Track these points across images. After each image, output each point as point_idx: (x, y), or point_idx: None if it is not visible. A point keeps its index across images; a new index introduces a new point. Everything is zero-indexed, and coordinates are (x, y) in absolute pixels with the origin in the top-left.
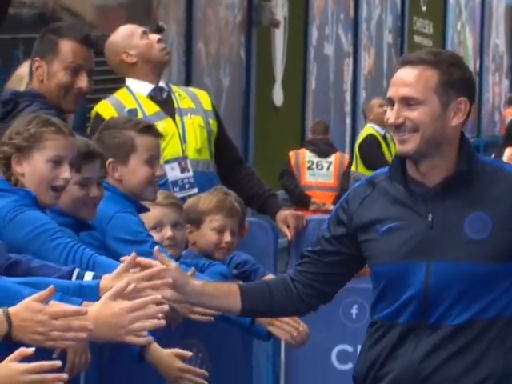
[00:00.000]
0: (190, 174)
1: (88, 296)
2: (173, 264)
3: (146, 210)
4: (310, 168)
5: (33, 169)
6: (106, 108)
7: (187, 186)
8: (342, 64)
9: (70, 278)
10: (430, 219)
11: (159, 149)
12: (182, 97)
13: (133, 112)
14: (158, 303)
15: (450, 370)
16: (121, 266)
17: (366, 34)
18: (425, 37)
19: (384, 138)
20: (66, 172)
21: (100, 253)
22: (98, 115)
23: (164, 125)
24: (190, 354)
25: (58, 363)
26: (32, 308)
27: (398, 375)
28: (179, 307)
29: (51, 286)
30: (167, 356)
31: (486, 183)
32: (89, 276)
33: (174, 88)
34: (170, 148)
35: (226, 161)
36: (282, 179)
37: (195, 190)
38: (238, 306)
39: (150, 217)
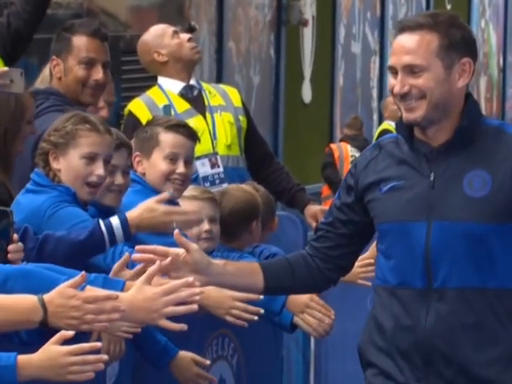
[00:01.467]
0: (221, 169)
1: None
2: (193, 245)
3: (175, 203)
4: (351, 163)
5: (68, 165)
6: (138, 106)
7: (217, 181)
8: (368, 61)
9: (99, 229)
10: (431, 178)
11: (186, 148)
12: (213, 94)
13: (167, 108)
14: (190, 286)
15: (463, 342)
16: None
17: (392, 32)
18: None
19: None
20: (99, 169)
21: (128, 244)
22: (130, 113)
23: (194, 122)
24: (207, 362)
25: (98, 344)
26: (65, 294)
27: (411, 345)
28: (217, 309)
29: (83, 272)
30: (185, 360)
31: (488, 143)
32: (115, 220)
33: (205, 85)
34: (201, 145)
35: (256, 156)
36: (324, 171)
37: (225, 186)
38: (260, 284)
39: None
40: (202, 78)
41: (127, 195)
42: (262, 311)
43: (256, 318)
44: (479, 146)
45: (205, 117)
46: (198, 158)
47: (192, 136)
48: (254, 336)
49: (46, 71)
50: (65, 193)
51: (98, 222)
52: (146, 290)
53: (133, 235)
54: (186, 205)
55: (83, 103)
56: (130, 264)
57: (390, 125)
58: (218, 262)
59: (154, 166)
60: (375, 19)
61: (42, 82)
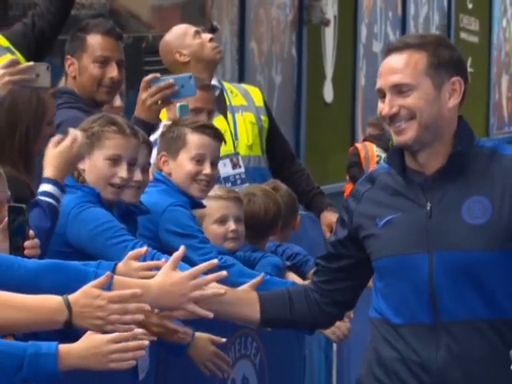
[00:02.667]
0: (242, 169)
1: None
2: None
3: (201, 206)
4: (377, 163)
5: (93, 165)
6: (162, 110)
7: (239, 181)
8: None
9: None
10: (428, 208)
11: (212, 149)
12: (234, 94)
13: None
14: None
15: (479, 376)
16: (168, 264)
17: (413, 32)
18: (471, 34)
19: None
20: (123, 171)
21: (153, 245)
22: None
23: (216, 122)
24: (223, 340)
25: (140, 330)
26: (90, 294)
27: (423, 382)
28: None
29: (108, 272)
30: (202, 339)
31: (484, 166)
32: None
33: (227, 85)
34: (222, 145)
35: (277, 156)
36: (350, 169)
37: (247, 185)
38: (257, 315)
39: (214, 210)
40: (224, 78)
41: (152, 195)
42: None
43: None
44: (475, 170)
45: (226, 117)
46: (220, 158)
47: (218, 137)
48: (276, 335)
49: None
50: (89, 193)
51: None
52: (173, 275)
53: None
54: (211, 204)
55: (98, 102)
56: (142, 259)
57: None
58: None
59: (181, 166)
60: (397, 18)
61: (62, 82)
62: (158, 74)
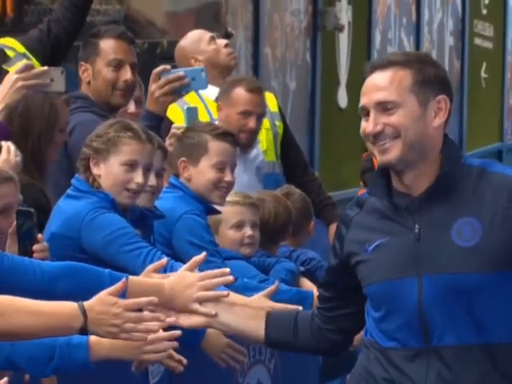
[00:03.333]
0: None
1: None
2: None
3: (217, 212)
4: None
5: (108, 171)
6: (174, 110)
7: None
8: None
9: None
10: (416, 231)
11: (232, 156)
12: None
13: (193, 110)
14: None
15: None
16: (185, 266)
17: (427, 37)
18: (485, 39)
19: None
20: (139, 176)
21: (167, 251)
22: (167, 119)
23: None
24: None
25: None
26: (107, 301)
27: None
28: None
29: (123, 279)
30: (215, 333)
31: (473, 186)
32: None
33: None
34: None
35: (290, 163)
36: (364, 175)
37: (258, 191)
38: (261, 332)
39: (230, 215)
40: None
41: (167, 201)
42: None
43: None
44: (463, 190)
45: None
46: None
47: (236, 144)
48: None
49: None
50: (104, 199)
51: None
52: (187, 277)
53: None
54: (228, 210)
55: (114, 106)
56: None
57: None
58: (224, 303)
59: (202, 173)
60: (411, 24)
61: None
62: (168, 66)
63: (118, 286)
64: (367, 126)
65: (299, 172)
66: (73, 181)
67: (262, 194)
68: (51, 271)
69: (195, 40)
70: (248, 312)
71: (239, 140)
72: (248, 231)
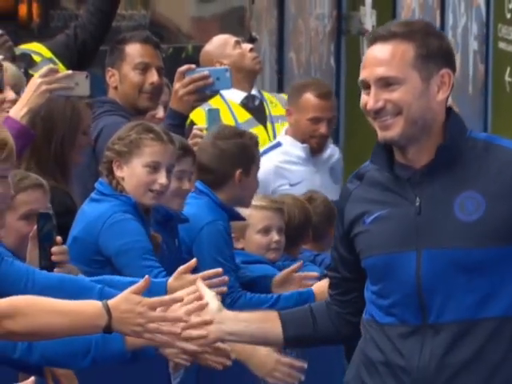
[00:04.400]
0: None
1: (155, 293)
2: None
3: (241, 218)
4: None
5: (131, 173)
6: (199, 115)
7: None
8: None
9: None
10: (417, 204)
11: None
12: (274, 104)
13: (215, 111)
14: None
15: (462, 380)
16: (179, 269)
17: (452, 42)
18: (509, 43)
19: None
20: (162, 177)
21: (186, 257)
22: (192, 123)
23: (255, 132)
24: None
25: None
26: (131, 300)
27: None
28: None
29: (146, 277)
30: (263, 350)
31: (477, 159)
32: None
33: (266, 95)
34: None
35: None
36: None
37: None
38: (278, 331)
39: (257, 220)
40: (263, 88)
41: (192, 207)
42: (303, 378)
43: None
44: (467, 163)
45: (266, 127)
46: None
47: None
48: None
49: None
50: (126, 202)
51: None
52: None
53: None
54: (255, 214)
55: (141, 109)
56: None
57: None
58: (229, 311)
59: (254, 181)
60: None
61: None
62: (193, 66)
63: (141, 283)
64: (368, 101)
65: None
66: (96, 184)
67: (283, 197)
68: (41, 283)
69: (220, 44)
70: (257, 317)
71: (310, 145)
72: (275, 236)
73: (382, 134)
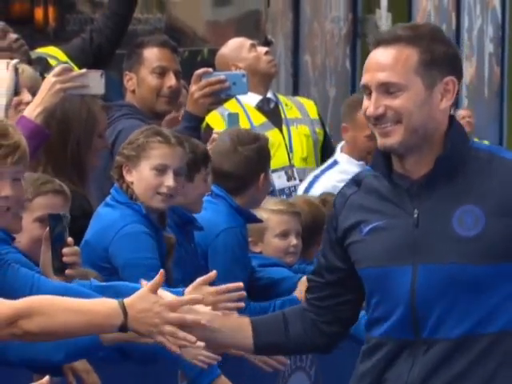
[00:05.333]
0: (297, 182)
1: None
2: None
3: (258, 220)
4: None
5: (140, 177)
6: (214, 118)
7: (294, 193)
8: None
9: None
10: (415, 216)
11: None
12: (289, 107)
13: (234, 116)
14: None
15: None
16: (197, 280)
17: (467, 44)
18: None
19: None
20: (169, 180)
21: (201, 263)
22: (208, 126)
23: (271, 135)
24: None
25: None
26: (148, 299)
27: None
28: None
29: (161, 270)
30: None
31: (478, 172)
32: None
33: (282, 98)
34: (277, 157)
35: None
36: None
37: (293, 196)
38: (249, 341)
39: (275, 224)
40: (278, 91)
41: (209, 211)
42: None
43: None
44: (468, 175)
45: (281, 130)
46: (275, 170)
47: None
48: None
49: None
50: (138, 212)
51: None
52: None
53: None
54: (273, 218)
55: (159, 112)
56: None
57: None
58: (206, 313)
59: (269, 184)
60: (451, 31)
61: None
62: (210, 69)
63: (157, 278)
64: (369, 107)
65: None
66: (112, 190)
67: (296, 198)
68: (45, 291)
69: (236, 47)
70: (231, 324)
71: (367, 162)
72: (293, 240)
73: (381, 141)
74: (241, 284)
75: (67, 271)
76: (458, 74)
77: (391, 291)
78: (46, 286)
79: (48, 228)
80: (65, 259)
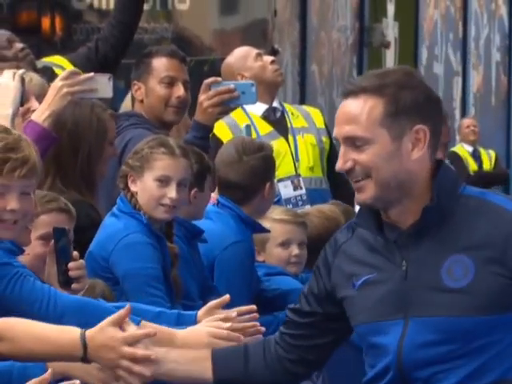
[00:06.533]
0: (303, 191)
1: (185, 325)
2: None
3: (266, 230)
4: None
5: (143, 187)
6: (221, 128)
7: (300, 203)
8: (451, 82)
9: None
10: (403, 268)
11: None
12: (295, 116)
13: (249, 128)
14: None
15: None
16: (210, 304)
17: (474, 53)
18: None
19: (473, 155)
20: (172, 192)
21: (207, 275)
22: (213, 135)
23: (277, 144)
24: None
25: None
26: (106, 332)
27: None
28: None
29: (127, 306)
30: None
31: (468, 220)
32: None
33: (288, 107)
34: (283, 167)
35: (337, 179)
36: None
37: (308, 207)
38: (209, 375)
39: (278, 233)
40: (285, 100)
41: (216, 222)
42: None
43: None
44: (457, 223)
45: (287, 139)
46: (281, 180)
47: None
48: (339, 356)
49: (127, 99)
50: (141, 222)
51: None
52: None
53: None
54: (275, 227)
55: (167, 122)
56: None
57: (462, 146)
58: (159, 348)
59: (274, 193)
60: (457, 40)
61: (126, 102)
62: (219, 78)
63: (121, 313)
64: (338, 160)
65: (345, 188)
66: (118, 200)
67: (310, 209)
68: (63, 305)
69: (242, 56)
70: (189, 356)
71: None
72: (295, 250)
73: (356, 196)
74: (253, 307)
75: (73, 285)
76: (433, 120)
77: (382, 348)
78: (62, 300)
79: (53, 241)
80: (70, 273)
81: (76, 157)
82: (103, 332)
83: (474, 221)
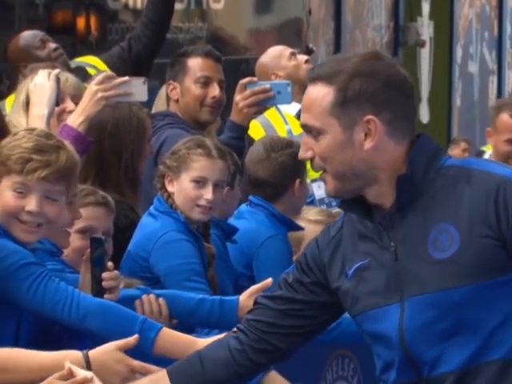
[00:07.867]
0: None
1: (227, 310)
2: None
3: (300, 228)
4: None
5: (180, 188)
6: (255, 128)
7: (334, 203)
8: (486, 81)
9: None
10: (392, 249)
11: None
12: None
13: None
14: None
15: None
16: (252, 288)
17: (510, 52)
18: None
19: None
20: (208, 193)
21: (244, 272)
22: (247, 135)
23: None
24: None
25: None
26: (113, 356)
27: None
28: None
29: (136, 336)
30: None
31: (448, 189)
32: None
33: None
34: None
35: None
36: None
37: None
38: None
39: (313, 234)
40: None
41: (251, 222)
42: None
43: None
44: (438, 193)
45: None
46: (314, 180)
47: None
48: (373, 358)
49: (161, 92)
50: (178, 221)
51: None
52: None
53: None
54: (311, 228)
55: (202, 122)
56: None
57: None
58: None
59: (307, 189)
60: (493, 39)
61: (159, 102)
62: (254, 78)
63: (130, 340)
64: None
65: None
66: (155, 200)
67: (331, 212)
68: (85, 307)
69: (276, 56)
70: (144, 380)
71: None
72: None
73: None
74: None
75: (106, 295)
76: (392, 107)
77: (383, 333)
78: (86, 302)
79: (89, 250)
80: (104, 284)
81: (119, 157)
82: (109, 354)
83: (456, 188)
